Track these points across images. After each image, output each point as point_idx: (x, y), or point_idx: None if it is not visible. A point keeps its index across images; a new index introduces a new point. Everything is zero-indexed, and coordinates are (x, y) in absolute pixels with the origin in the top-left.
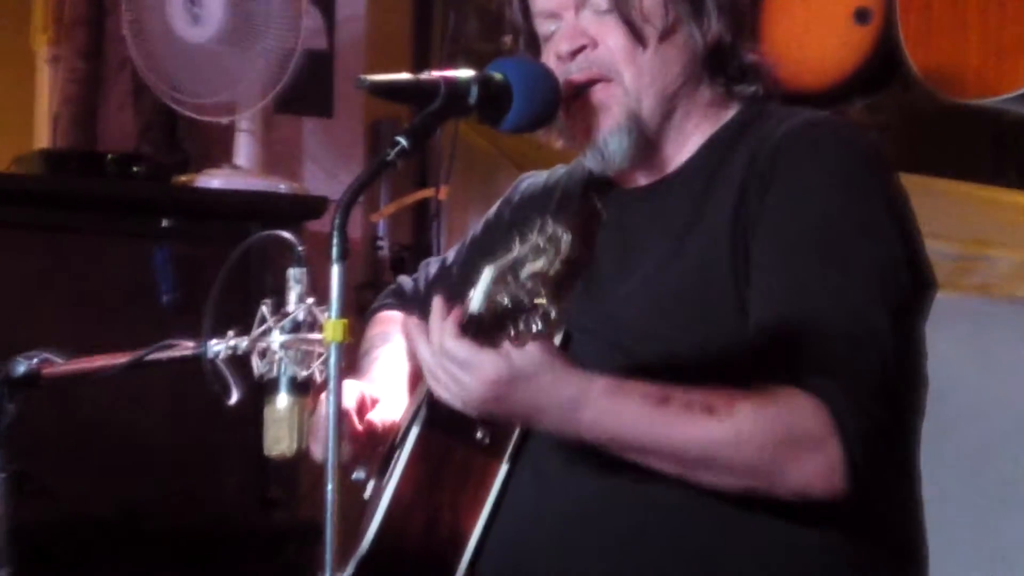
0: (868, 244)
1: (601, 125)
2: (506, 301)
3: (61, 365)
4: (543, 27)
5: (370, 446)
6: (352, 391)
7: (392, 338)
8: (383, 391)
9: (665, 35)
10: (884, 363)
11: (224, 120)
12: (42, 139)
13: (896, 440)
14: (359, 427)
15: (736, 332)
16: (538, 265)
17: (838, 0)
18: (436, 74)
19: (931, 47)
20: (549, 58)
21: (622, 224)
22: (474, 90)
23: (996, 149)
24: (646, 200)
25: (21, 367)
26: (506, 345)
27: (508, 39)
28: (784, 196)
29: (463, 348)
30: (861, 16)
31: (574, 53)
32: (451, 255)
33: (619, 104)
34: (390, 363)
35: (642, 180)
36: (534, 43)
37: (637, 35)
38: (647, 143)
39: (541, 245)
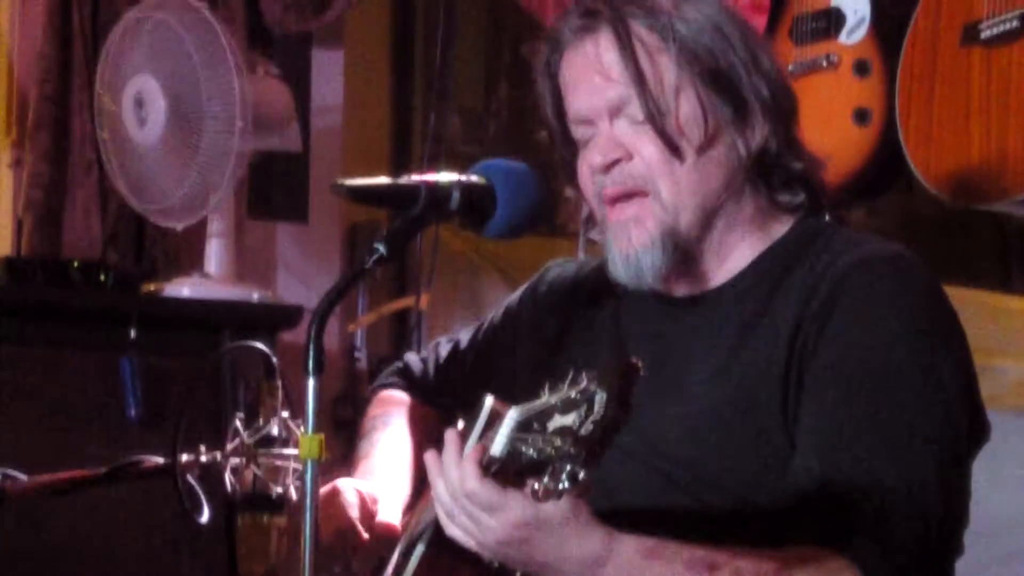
0: (926, 397)
1: (634, 239)
2: (531, 452)
3: (24, 482)
4: (578, 132)
5: (377, 553)
6: (351, 494)
7: (392, 422)
8: (382, 487)
9: (705, 147)
10: (928, 524)
11: (179, 227)
12: (5, 246)
13: None
14: (365, 536)
15: (782, 467)
16: (568, 420)
17: (837, 100)
18: (416, 178)
19: (933, 149)
20: (583, 166)
21: (662, 335)
22: (456, 195)
23: (1002, 255)
24: (689, 314)
25: None
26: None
27: (544, 134)
28: (841, 339)
29: (487, 490)
30: (861, 117)
31: (608, 166)
32: (464, 337)
33: (654, 218)
34: (390, 451)
35: (681, 290)
36: (568, 144)
37: (673, 149)
38: (684, 257)
39: (573, 398)
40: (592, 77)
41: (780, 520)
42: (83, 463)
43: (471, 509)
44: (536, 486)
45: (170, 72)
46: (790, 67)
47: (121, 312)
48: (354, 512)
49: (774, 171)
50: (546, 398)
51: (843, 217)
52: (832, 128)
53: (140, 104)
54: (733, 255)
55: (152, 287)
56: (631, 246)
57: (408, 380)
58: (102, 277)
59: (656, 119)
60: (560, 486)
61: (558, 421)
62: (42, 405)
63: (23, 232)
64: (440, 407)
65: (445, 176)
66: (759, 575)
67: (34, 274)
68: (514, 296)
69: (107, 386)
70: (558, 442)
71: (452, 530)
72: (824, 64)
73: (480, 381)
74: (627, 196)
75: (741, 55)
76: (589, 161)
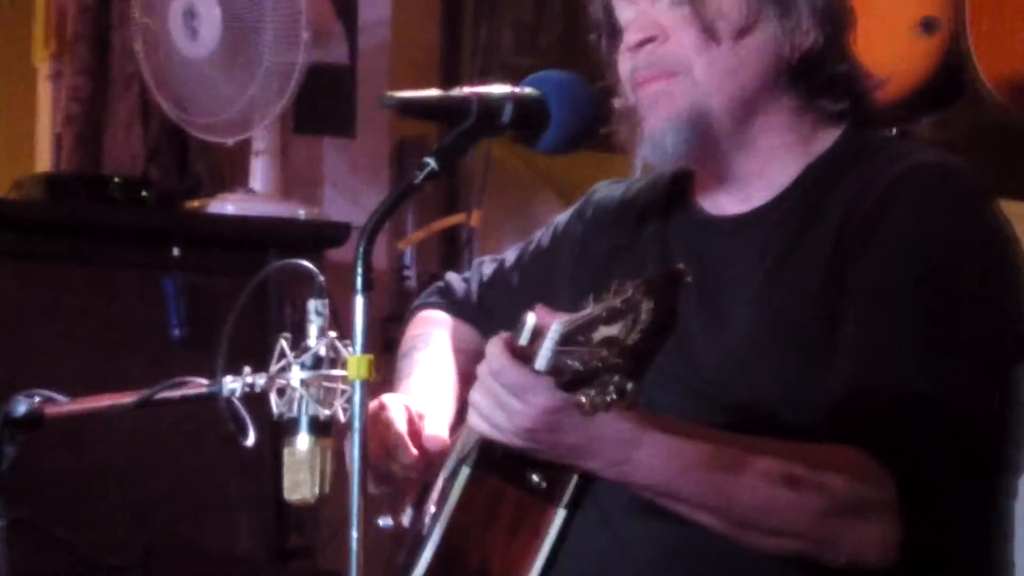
0: (968, 306)
1: (661, 112)
2: (576, 364)
3: (65, 405)
4: (623, 14)
5: (426, 469)
6: (398, 409)
7: (432, 341)
8: (427, 404)
9: (742, 32)
10: (968, 433)
11: (229, 141)
12: (44, 162)
13: (977, 508)
14: (414, 451)
15: (824, 383)
16: (614, 330)
17: (901, 8)
18: (467, 90)
19: (1004, 58)
20: (623, 52)
21: (706, 258)
22: (508, 107)
23: None
24: (732, 235)
25: (22, 407)
26: None
27: (592, 36)
28: (883, 249)
29: (516, 371)
30: (927, 26)
31: (641, 44)
32: (510, 256)
33: (684, 94)
34: (431, 369)
35: (723, 203)
36: (616, 38)
37: (709, 29)
38: (714, 146)
39: (619, 307)
40: None
41: (819, 435)
42: (125, 385)
43: (499, 392)
44: (583, 400)
45: None
46: None
47: (164, 230)
48: (402, 426)
49: (815, 74)
50: (590, 309)
51: (908, 131)
52: (896, 38)
53: (192, 15)
54: (774, 165)
55: (195, 204)
56: (657, 121)
57: (450, 300)
58: (144, 194)
59: None
60: (608, 399)
61: (603, 332)
62: (83, 326)
63: (62, 148)
64: (482, 327)
65: (497, 88)
66: (786, 474)
67: (74, 191)
68: (561, 217)
69: (150, 306)
70: (604, 353)
71: (475, 420)
72: None
73: (524, 302)
74: (658, 78)
75: None
76: (626, 41)
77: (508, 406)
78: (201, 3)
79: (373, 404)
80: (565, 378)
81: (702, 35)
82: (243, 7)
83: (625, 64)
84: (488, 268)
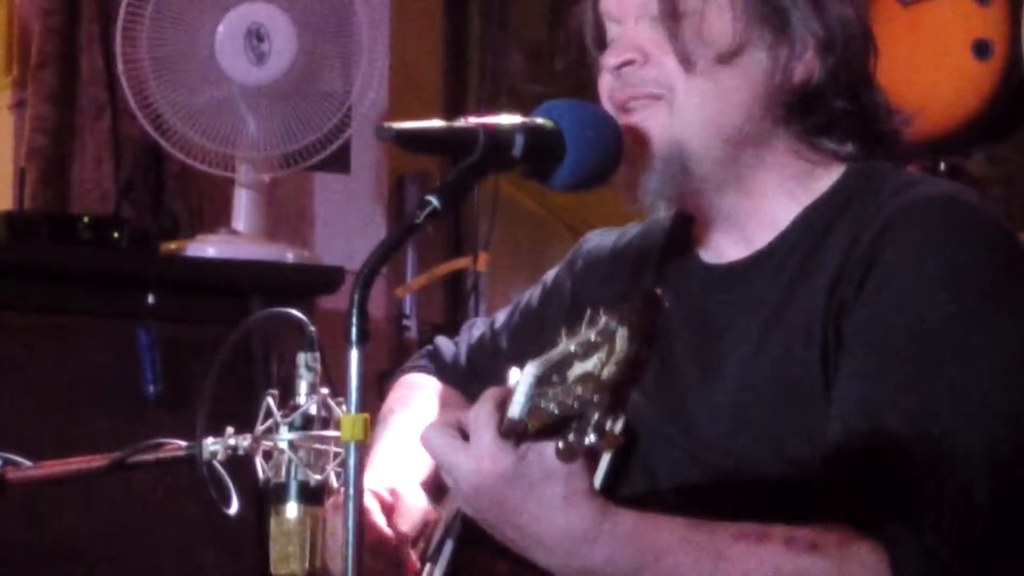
0: (979, 358)
1: (639, 149)
2: (552, 408)
3: (27, 469)
4: (610, 33)
5: (406, 552)
6: (367, 500)
7: (412, 404)
8: (397, 475)
9: (726, 58)
10: (974, 503)
11: (229, 173)
12: (5, 199)
13: None
14: (390, 533)
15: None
16: (588, 365)
17: (954, 30)
18: (473, 121)
19: None
20: (603, 74)
21: (701, 308)
22: (519, 139)
23: None
24: (729, 282)
25: None
26: (526, 445)
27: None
28: (883, 291)
29: (486, 421)
30: (981, 49)
31: (619, 67)
32: (500, 318)
33: (660, 128)
34: (405, 431)
35: (724, 248)
36: None
37: (684, 54)
38: (697, 185)
39: (592, 340)
40: None
41: (816, 496)
42: (94, 448)
43: (456, 437)
44: (560, 445)
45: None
46: None
47: (137, 275)
48: (377, 518)
49: (815, 110)
50: (563, 345)
51: (959, 166)
52: (948, 63)
53: (260, 38)
54: (770, 206)
55: (173, 246)
56: (635, 162)
57: (437, 364)
58: (115, 235)
59: (671, 17)
60: (587, 440)
61: (578, 368)
62: (48, 381)
63: (26, 183)
64: (470, 392)
65: (506, 119)
66: (762, 564)
67: (38, 231)
68: (551, 273)
69: (122, 360)
70: (580, 390)
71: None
72: None
73: (516, 365)
74: (635, 99)
75: None
76: (604, 62)
77: (458, 460)
78: (270, 22)
79: (334, 499)
80: (544, 424)
81: (680, 60)
82: (319, 27)
83: (605, 88)
84: (478, 331)
